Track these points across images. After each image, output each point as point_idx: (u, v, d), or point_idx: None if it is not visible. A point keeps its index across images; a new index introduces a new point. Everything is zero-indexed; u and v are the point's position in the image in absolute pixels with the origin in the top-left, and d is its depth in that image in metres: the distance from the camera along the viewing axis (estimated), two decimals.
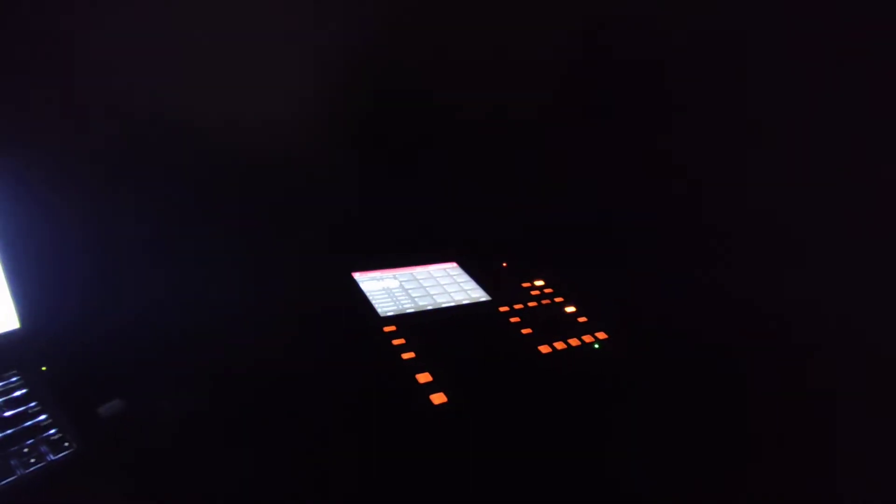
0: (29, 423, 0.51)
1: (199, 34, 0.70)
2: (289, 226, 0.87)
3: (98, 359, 0.60)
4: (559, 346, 0.77)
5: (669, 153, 1.01)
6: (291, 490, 0.51)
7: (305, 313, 0.75)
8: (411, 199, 0.99)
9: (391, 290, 0.83)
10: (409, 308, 0.79)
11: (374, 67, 0.87)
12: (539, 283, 0.94)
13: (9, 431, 0.49)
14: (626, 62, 1.00)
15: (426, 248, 0.98)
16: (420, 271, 0.90)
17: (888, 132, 0.81)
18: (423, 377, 0.65)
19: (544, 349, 0.75)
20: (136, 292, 0.68)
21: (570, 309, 0.87)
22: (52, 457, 0.48)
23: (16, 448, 0.48)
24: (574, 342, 0.78)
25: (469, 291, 0.87)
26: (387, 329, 0.73)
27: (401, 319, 0.76)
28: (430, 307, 0.80)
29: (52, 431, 0.50)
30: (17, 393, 0.53)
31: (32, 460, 0.47)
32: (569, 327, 0.82)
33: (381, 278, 0.86)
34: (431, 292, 0.84)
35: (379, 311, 0.77)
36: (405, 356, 0.68)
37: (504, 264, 1.00)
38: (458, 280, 0.90)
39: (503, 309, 0.84)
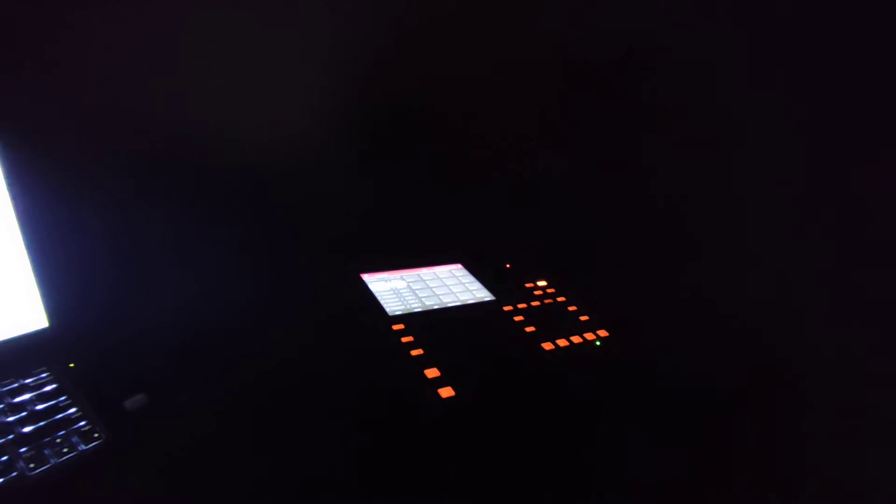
0: (60, 415, 0.54)
1: (218, 51, 0.74)
2: (301, 230, 0.90)
3: (122, 356, 0.62)
4: (561, 343, 0.79)
5: (662, 158, 1.04)
6: (309, 476, 0.54)
7: (318, 312, 0.78)
8: (418, 203, 1.02)
9: (399, 290, 0.86)
10: (417, 307, 0.82)
11: (381, 75, 0.91)
12: (542, 283, 0.97)
13: (41, 423, 0.52)
14: (623, 64, 1.03)
15: (432, 250, 1.01)
16: (426, 272, 0.93)
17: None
18: (432, 372, 0.67)
19: (547, 346, 0.78)
20: (157, 293, 0.71)
21: (572, 308, 0.90)
22: (83, 447, 0.51)
23: (49, 439, 0.51)
24: (576, 339, 0.81)
25: (474, 291, 0.90)
26: (395, 327, 0.76)
27: (409, 318, 0.79)
28: (436, 307, 0.83)
29: (82, 423, 0.53)
30: (48, 388, 0.56)
31: (65, 450, 0.50)
32: (571, 325, 0.85)
33: (389, 279, 0.89)
34: (438, 292, 0.87)
35: (388, 310, 0.80)
36: (414, 353, 0.71)
37: (507, 265, 1.02)
38: (464, 281, 0.93)
39: (507, 308, 0.86)
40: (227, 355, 0.67)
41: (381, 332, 0.75)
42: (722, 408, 0.73)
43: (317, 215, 0.92)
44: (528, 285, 0.95)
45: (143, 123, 0.71)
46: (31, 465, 0.48)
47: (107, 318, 0.65)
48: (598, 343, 0.82)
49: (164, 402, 0.58)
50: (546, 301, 0.91)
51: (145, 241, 0.73)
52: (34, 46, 0.63)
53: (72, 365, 0.60)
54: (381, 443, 0.59)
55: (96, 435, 0.52)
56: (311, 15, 0.81)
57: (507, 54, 0.99)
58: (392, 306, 0.81)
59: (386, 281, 0.88)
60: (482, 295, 0.89)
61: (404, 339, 0.73)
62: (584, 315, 0.88)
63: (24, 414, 0.53)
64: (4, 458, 0.48)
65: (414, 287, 0.88)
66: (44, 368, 0.58)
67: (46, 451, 0.50)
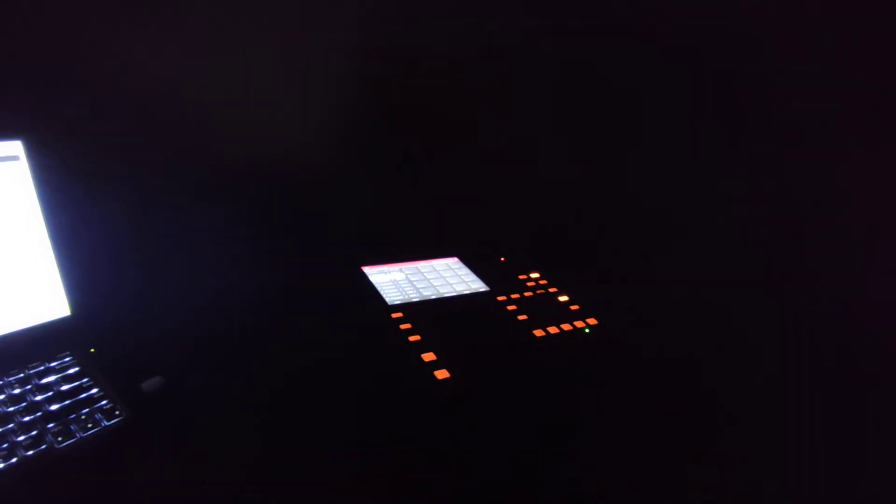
0: (83, 395, 0.58)
1: (234, 62, 0.80)
2: (307, 227, 0.95)
3: (139, 342, 0.67)
4: (552, 330, 0.83)
5: (652, 156, 1.08)
6: (315, 449, 0.58)
7: (322, 301, 0.82)
8: (416, 199, 1.07)
9: (398, 282, 0.90)
10: (415, 297, 0.86)
11: (381, 75, 0.95)
12: (535, 275, 1.01)
13: (67, 402, 0.57)
14: (619, 65, 1.07)
15: (430, 244, 1.05)
16: (424, 265, 0.98)
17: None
18: (428, 356, 0.72)
19: (538, 333, 0.82)
20: (171, 285, 0.76)
21: (564, 298, 0.94)
22: (106, 423, 0.55)
23: (74, 415, 0.55)
24: (566, 327, 0.85)
25: (469, 283, 0.94)
26: (395, 315, 0.80)
27: (407, 307, 0.83)
28: (433, 297, 0.87)
29: (104, 402, 0.58)
30: (71, 371, 0.61)
31: (89, 425, 0.54)
32: (561, 314, 0.89)
33: (389, 272, 0.93)
34: (435, 284, 0.92)
35: (387, 300, 0.84)
36: (412, 339, 0.75)
37: (502, 259, 1.07)
38: (459, 273, 0.97)
39: (501, 298, 0.91)
40: (237, 341, 0.71)
41: (381, 319, 0.79)
42: (702, 389, 0.77)
43: (322, 213, 0.97)
44: (521, 277, 1.00)
45: (162, 127, 0.76)
46: (59, 439, 0.52)
47: (125, 307, 0.70)
48: (587, 330, 0.86)
49: (177, 383, 0.63)
50: (538, 292, 0.95)
51: (160, 237, 0.78)
52: (62, 53, 0.69)
53: (92, 350, 0.64)
54: (381, 421, 0.63)
55: (117, 412, 0.57)
56: (317, 25, 0.86)
57: (501, 52, 1.03)
58: (391, 296, 0.85)
59: (386, 273, 0.92)
60: (477, 286, 0.93)
61: (403, 327, 0.78)
62: (574, 305, 0.92)
63: (50, 394, 0.57)
64: (34, 432, 0.52)
65: (412, 279, 0.92)
66: (67, 353, 0.63)
67: (72, 427, 0.54)
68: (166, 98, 0.77)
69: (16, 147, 0.60)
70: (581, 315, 0.89)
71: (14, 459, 0.49)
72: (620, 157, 1.11)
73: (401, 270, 0.94)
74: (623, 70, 1.06)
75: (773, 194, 0.97)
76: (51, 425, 0.54)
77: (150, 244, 0.77)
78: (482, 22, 1.00)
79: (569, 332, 0.84)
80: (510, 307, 0.88)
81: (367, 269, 0.92)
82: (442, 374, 0.69)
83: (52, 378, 0.59)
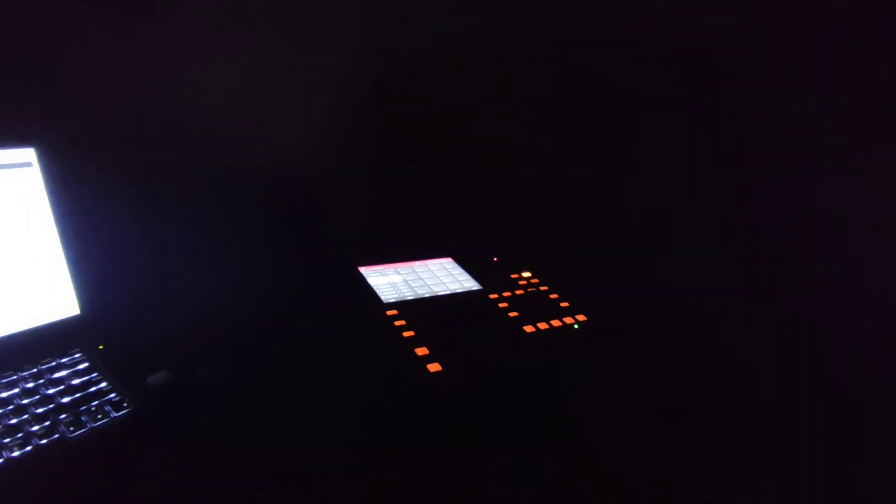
0: (93, 388, 0.61)
1: (238, 68, 0.83)
2: (307, 229, 0.98)
3: (145, 339, 0.70)
4: (542, 326, 0.87)
5: (645, 156, 1.11)
6: (314, 440, 0.61)
7: (321, 299, 0.86)
8: (412, 201, 1.10)
9: (393, 281, 0.93)
10: (409, 296, 0.89)
11: (377, 79, 0.99)
12: (527, 274, 1.04)
13: (78, 395, 0.60)
14: (609, 64, 1.09)
15: (425, 245, 1.08)
16: (419, 265, 1.01)
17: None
18: (421, 350, 0.75)
19: (528, 329, 0.85)
20: (176, 284, 0.79)
21: (554, 296, 0.97)
22: (115, 414, 0.58)
23: (85, 407, 0.58)
24: (556, 323, 0.88)
25: (462, 282, 0.97)
26: (389, 313, 0.83)
27: (401, 305, 0.86)
28: (427, 295, 0.91)
29: (113, 395, 0.61)
30: (81, 366, 0.64)
31: (99, 416, 0.58)
32: (552, 311, 0.92)
33: (385, 272, 0.96)
34: (429, 283, 0.95)
35: (382, 298, 0.87)
36: (405, 334, 0.78)
37: (495, 259, 1.10)
38: (453, 272, 1.00)
39: (493, 296, 0.94)
40: (239, 339, 0.74)
41: (376, 316, 0.83)
42: (690, 386, 0.80)
43: (321, 216, 1.01)
44: (513, 276, 1.03)
45: (166, 133, 0.80)
46: (71, 429, 0.55)
47: (132, 306, 0.73)
48: (576, 326, 0.89)
49: (182, 378, 0.66)
50: (530, 290, 0.98)
51: (166, 238, 0.82)
52: (71, 64, 0.72)
53: (101, 347, 0.67)
54: (375, 410, 0.66)
55: (125, 404, 0.60)
56: (317, 29, 0.90)
57: (495, 55, 1.06)
58: (386, 295, 0.88)
59: (381, 273, 0.95)
60: (470, 285, 0.96)
61: (397, 323, 0.81)
62: (564, 302, 0.95)
63: (62, 387, 0.60)
64: (47, 422, 0.56)
65: (407, 278, 0.95)
66: (77, 349, 0.66)
67: (83, 418, 0.57)
68: (170, 104, 0.80)
69: (29, 154, 0.64)
70: (571, 312, 0.92)
71: (29, 448, 0.52)
72: (612, 159, 1.14)
73: (396, 271, 0.97)
74: (615, 73, 1.08)
75: (769, 195, 0.99)
76: (63, 416, 0.57)
77: (156, 247, 0.80)
78: (475, 26, 1.03)
79: (558, 327, 0.87)
80: (501, 304, 0.91)
81: (363, 270, 0.95)
82: (434, 367, 0.72)
83: (63, 373, 0.62)
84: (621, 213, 1.15)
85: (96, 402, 0.59)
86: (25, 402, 0.57)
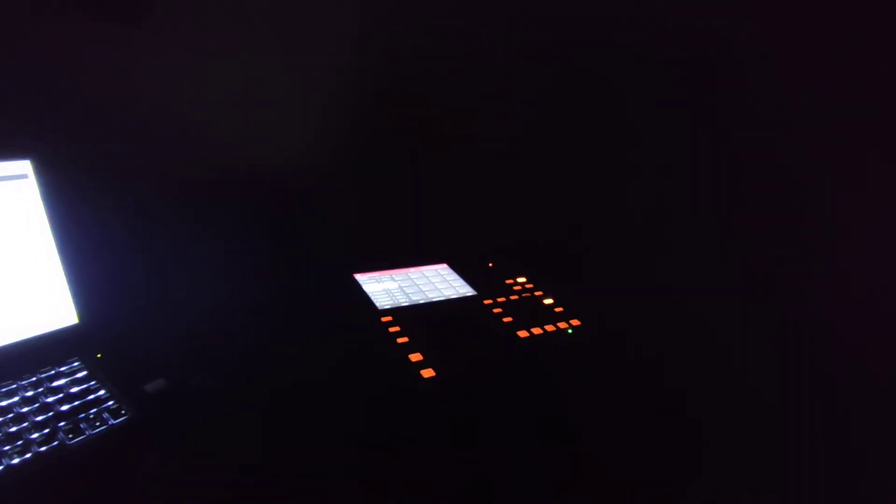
0: (91, 396, 0.62)
1: (232, 74, 0.85)
2: (302, 236, 1.00)
3: (142, 347, 0.71)
4: (536, 331, 0.87)
5: (639, 161, 1.12)
6: (309, 445, 0.62)
7: (316, 306, 0.87)
8: (407, 208, 1.11)
9: (388, 288, 0.94)
10: (404, 302, 0.90)
11: (372, 85, 1.00)
12: (521, 279, 1.05)
13: (76, 403, 0.61)
14: (613, 70, 1.10)
15: (421, 252, 1.09)
16: (414, 272, 1.02)
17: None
18: (415, 356, 0.76)
19: (522, 334, 0.86)
20: (172, 293, 0.81)
21: (548, 301, 0.98)
22: (113, 421, 0.59)
23: (83, 415, 0.59)
24: (550, 328, 0.89)
25: (457, 288, 0.98)
26: (384, 319, 0.84)
27: (396, 312, 0.87)
28: (422, 301, 0.92)
29: (111, 403, 0.62)
30: (79, 374, 0.65)
31: (97, 423, 0.59)
32: (546, 316, 0.93)
33: (380, 279, 0.97)
34: (424, 289, 0.96)
35: (377, 305, 0.88)
36: (400, 340, 0.79)
37: (490, 265, 1.11)
38: (448, 279, 1.01)
39: (487, 302, 0.95)
40: (235, 345, 0.75)
41: (371, 323, 0.84)
42: (682, 389, 0.81)
43: (317, 223, 1.02)
44: (508, 282, 1.04)
45: (160, 144, 0.82)
46: (70, 436, 0.56)
47: (128, 315, 0.74)
48: (570, 331, 0.90)
49: (179, 385, 0.67)
50: (524, 295, 0.99)
51: (162, 247, 0.83)
52: (67, 78, 0.74)
53: (99, 355, 0.68)
54: (370, 415, 0.67)
55: (123, 412, 0.61)
56: (307, 35, 0.91)
57: (491, 61, 1.07)
58: (381, 301, 0.89)
59: (376, 280, 0.96)
60: (465, 291, 0.98)
61: (391, 329, 0.82)
62: (558, 307, 0.96)
63: (61, 395, 0.61)
64: (47, 430, 0.56)
65: (402, 285, 0.96)
66: (75, 358, 0.67)
67: (82, 425, 0.58)
68: (164, 116, 0.82)
69: (25, 166, 0.65)
70: (565, 317, 0.93)
71: (29, 455, 0.53)
72: (606, 164, 1.15)
73: (391, 278, 0.98)
74: (615, 73, 1.08)
75: (769, 195, 0.99)
76: (62, 424, 0.58)
77: (151, 256, 0.82)
78: (473, 29, 1.04)
79: (552, 332, 0.88)
80: (496, 310, 0.92)
81: (358, 276, 0.96)
82: (428, 372, 0.73)
83: (62, 381, 0.63)
84: (621, 214, 1.16)
85: (95, 410, 0.60)
86: (25, 410, 0.58)
